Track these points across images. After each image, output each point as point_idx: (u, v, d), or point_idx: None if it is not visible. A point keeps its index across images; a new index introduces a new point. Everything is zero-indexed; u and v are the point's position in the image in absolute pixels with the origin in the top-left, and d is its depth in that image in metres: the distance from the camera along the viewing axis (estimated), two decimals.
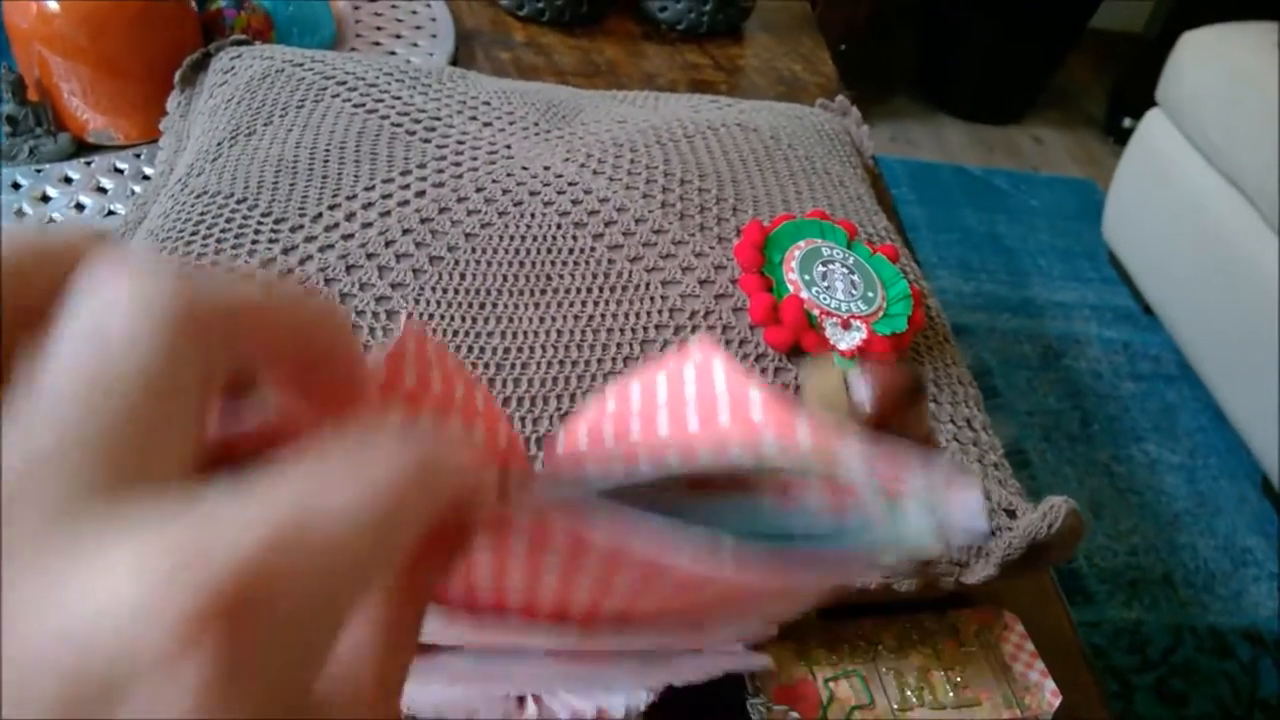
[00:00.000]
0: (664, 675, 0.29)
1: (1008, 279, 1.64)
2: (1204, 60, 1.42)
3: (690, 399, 0.23)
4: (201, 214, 0.53)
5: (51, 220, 0.64)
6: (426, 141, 0.60)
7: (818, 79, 1.03)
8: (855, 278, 0.52)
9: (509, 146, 0.60)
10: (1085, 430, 1.35)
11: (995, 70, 2.13)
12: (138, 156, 0.69)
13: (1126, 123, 2.16)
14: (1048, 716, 0.46)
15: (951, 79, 2.17)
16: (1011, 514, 0.47)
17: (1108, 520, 1.22)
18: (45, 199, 0.65)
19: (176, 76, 0.67)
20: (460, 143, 0.60)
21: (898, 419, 0.27)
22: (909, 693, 0.46)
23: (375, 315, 0.49)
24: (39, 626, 0.11)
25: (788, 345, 0.49)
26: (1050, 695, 0.46)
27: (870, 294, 0.52)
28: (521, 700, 0.38)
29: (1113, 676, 1.05)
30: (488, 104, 0.64)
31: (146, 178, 0.67)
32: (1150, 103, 1.61)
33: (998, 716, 0.45)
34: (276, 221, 0.52)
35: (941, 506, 0.19)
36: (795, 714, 0.45)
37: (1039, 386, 1.40)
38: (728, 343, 0.50)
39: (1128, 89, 2.22)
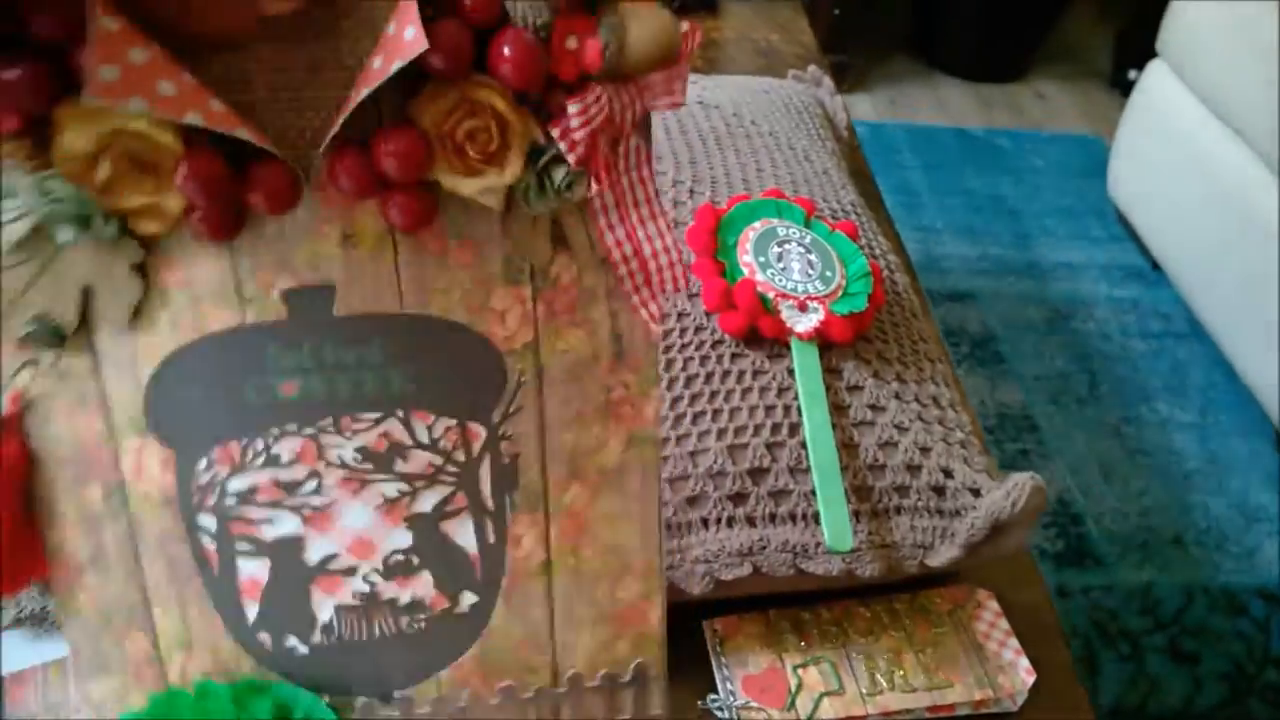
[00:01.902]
0: None
1: (1013, 241, 1.60)
2: (1204, 8, 1.38)
3: None
4: None
5: None
6: None
7: (796, 49, 1.01)
8: (813, 257, 0.51)
9: None
10: (1094, 392, 1.32)
11: (994, 25, 2.08)
12: None
13: (1132, 75, 2.10)
14: (1022, 696, 0.45)
15: (949, 37, 2.12)
16: (976, 493, 0.46)
17: (1118, 482, 1.20)
18: None
19: None
20: None
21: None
22: (879, 677, 0.45)
23: None
24: None
25: (744, 331, 0.48)
26: (1024, 674, 0.45)
27: (828, 273, 0.51)
28: None
29: (1124, 639, 1.03)
30: None
31: None
32: (1154, 54, 1.56)
33: (970, 698, 0.44)
34: None
35: None
36: (757, 705, 0.44)
37: (1046, 350, 1.37)
38: (683, 330, 0.49)
39: (1132, 39, 2.15)
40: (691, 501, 0.45)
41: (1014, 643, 0.46)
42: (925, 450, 0.47)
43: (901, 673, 0.45)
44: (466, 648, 0.36)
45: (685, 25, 0.28)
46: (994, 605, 0.48)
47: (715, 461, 0.46)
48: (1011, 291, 1.50)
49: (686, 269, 0.36)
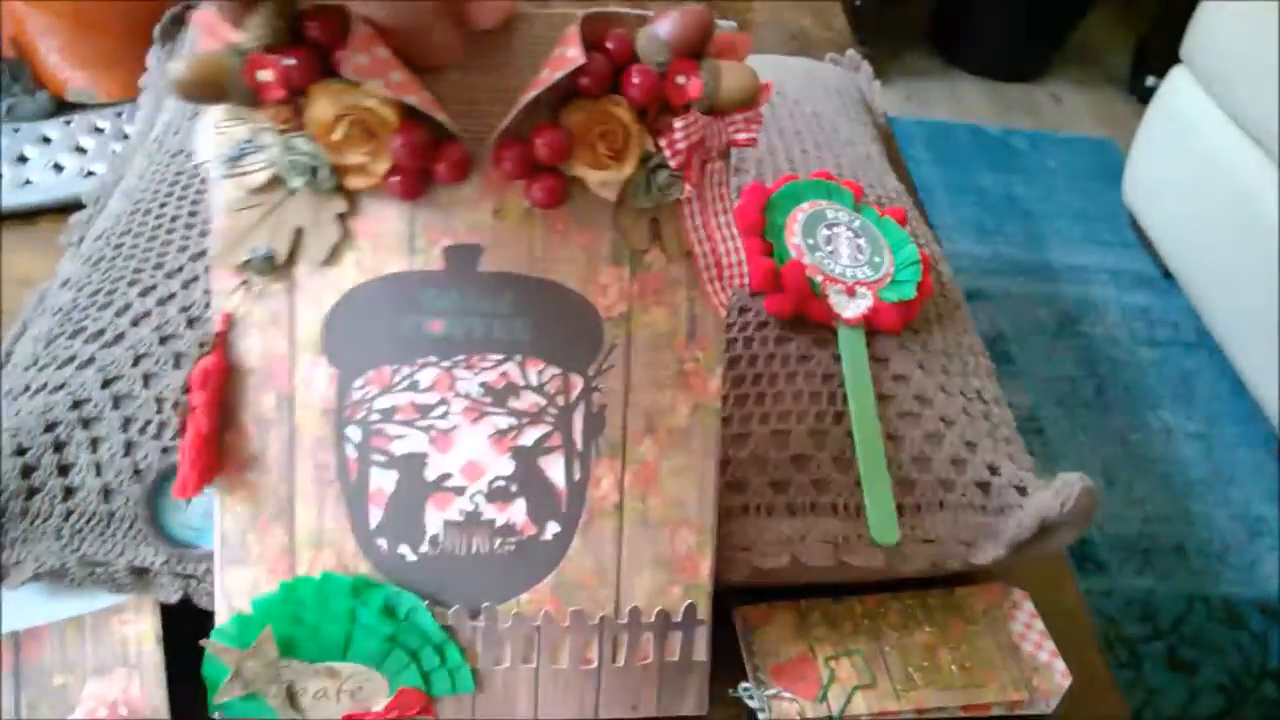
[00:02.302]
0: None
1: (1024, 242, 1.60)
2: (1233, 16, 1.36)
3: None
4: (177, 174, 0.51)
5: (29, 183, 0.62)
6: None
7: (828, 33, 0.99)
8: (861, 242, 0.50)
9: None
10: (1101, 397, 1.32)
11: (1014, 25, 2.07)
12: (119, 115, 0.66)
13: (1150, 81, 2.09)
14: (1056, 698, 0.44)
15: (969, 35, 2.10)
16: (1022, 491, 0.45)
17: (1121, 488, 1.20)
18: (23, 159, 0.63)
19: (156, 31, 0.64)
20: None
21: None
22: (913, 672, 0.44)
23: None
24: None
25: (790, 313, 0.47)
26: (1060, 677, 0.44)
27: (877, 259, 0.49)
28: None
29: (1122, 645, 1.03)
30: None
31: (127, 137, 0.64)
32: (1175, 60, 1.55)
33: (1005, 698, 0.44)
34: None
35: None
36: (789, 695, 0.43)
37: (1054, 352, 1.37)
38: (729, 310, 0.48)
39: (1152, 46, 2.15)
40: (732, 487, 0.44)
41: (1050, 644, 0.46)
42: (971, 445, 0.46)
43: (935, 669, 0.44)
44: (545, 574, 0.39)
45: (764, 79, 0.36)
46: (1029, 605, 0.47)
47: (757, 447, 0.44)
48: (1021, 292, 1.49)
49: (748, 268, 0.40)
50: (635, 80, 0.36)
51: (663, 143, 0.36)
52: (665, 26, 0.35)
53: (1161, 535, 1.15)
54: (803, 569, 0.44)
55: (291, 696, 0.36)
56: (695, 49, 0.36)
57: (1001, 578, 0.48)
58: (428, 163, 0.36)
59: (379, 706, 0.37)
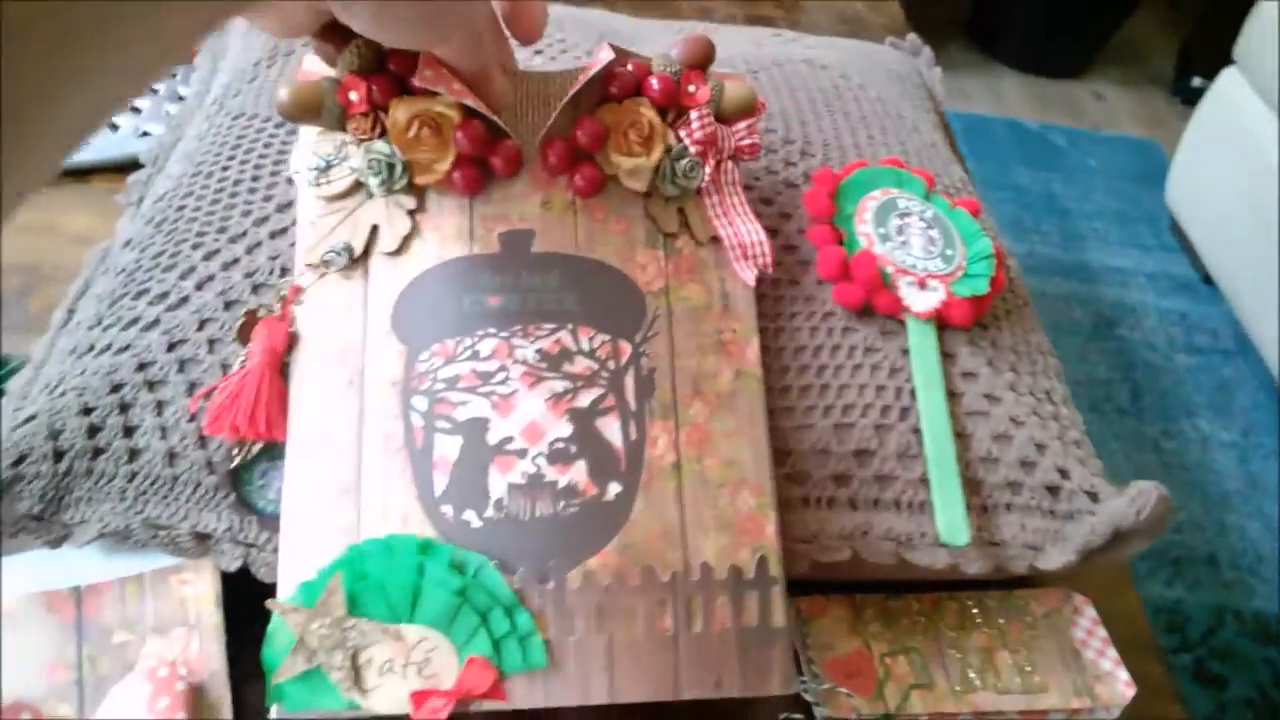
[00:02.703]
0: None
1: (1061, 241, 1.57)
2: None
3: None
4: (239, 137, 0.50)
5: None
6: None
7: (882, 19, 0.97)
8: (933, 233, 0.49)
9: None
10: (1136, 403, 1.30)
11: (1057, 20, 2.03)
12: (173, 76, 0.66)
13: (1196, 82, 2.06)
14: (1119, 709, 0.43)
15: (1010, 28, 2.07)
16: (1094, 497, 0.44)
17: None
18: None
19: None
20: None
21: None
22: (971, 674, 0.43)
23: None
24: None
25: (859, 304, 0.46)
26: (1124, 686, 0.44)
27: (949, 252, 0.48)
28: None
29: None
30: None
31: (182, 99, 0.64)
32: (1223, 62, 1.52)
33: (1066, 705, 0.43)
34: None
35: None
36: (844, 690, 0.43)
37: (1089, 355, 1.35)
38: (792, 299, 0.47)
39: (1198, 46, 2.11)
40: (791, 478, 0.43)
41: (1112, 652, 0.45)
42: (1041, 447, 0.45)
43: (994, 672, 0.44)
44: (611, 537, 0.39)
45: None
46: (1091, 612, 0.46)
47: (819, 439, 0.44)
48: (1057, 292, 1.47)
49: (773, 251, 0.45)
50: (655, 85, 0.44)
51: (683, 134, 0.44)
52: (675, 50, 0.45)
53: (1193, 545, 1.14)
54: (863, 565, 0.43)
55: (356, 671, 0.36)
56: (701, 65, 0.45)
57: (1062, 582, 0.47)
58: (485, 155, 0.42)
59: (448, 683, 0.36)
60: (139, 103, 0.64)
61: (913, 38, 0.76)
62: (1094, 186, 1.71)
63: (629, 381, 0.42)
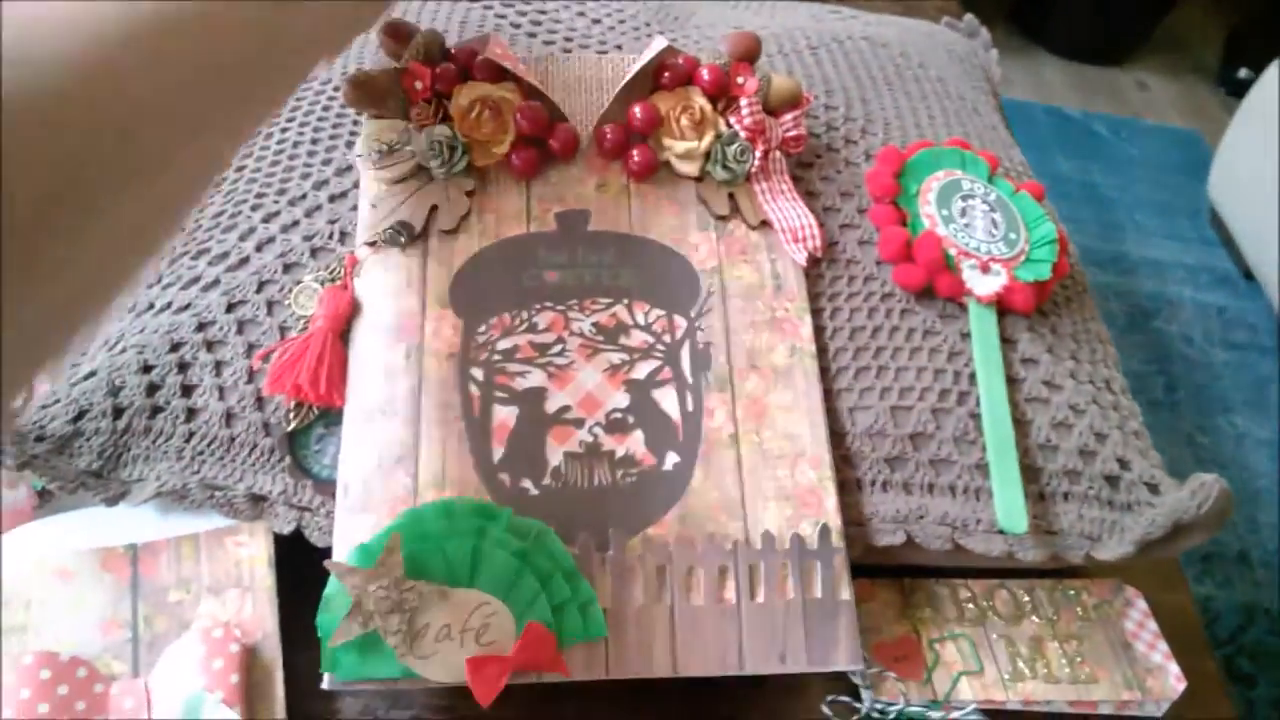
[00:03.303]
0: None
1: (1100, 231, 1.55)
2: None
3: None
4: (297, 99, 0.50)
5: None
6: (532, 35, 0.55)
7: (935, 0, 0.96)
8: (996, 216, 0.48)
9: (619, 47, 0.56)
10: (1170, 397, 1.28)
11: (1102, 7, 1.99)
12: None
13: (1242, 73, 2.02)
14: (1169, 703, 0.43)
15: (1055, 14, 2.03)
16: (1153, 489, 0.43)
17: None
18: None
19: None
20: (568, 39, 0.56)
21: None
22: (1021, 663, 0.43)
23: None
24: None
25: (920, 286, 0.45)
26: (1175, 680, 0.43)
27: (1012, 235, 0.47)
28: None
29: None
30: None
31: None
32: (1270, 53, 1.48)
33: (1116, 697, 0.42)
34: None
35: None
36: (892, 674, 0.43)
37: (1125, 347, 1.33)
38: (851, 278, 0.46)
39: (1245, 37, 2.06)
40: (846, 460, 0.43)
41: (1163, 645, 0.44)
42: (1101, 437, 0.44)
43: (1044, 661, 0.43)
44: (671, 506, 0.39)
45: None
46: (1142, 604, 0.46)
47: (876, 421, 0.43)
48: (1094, 282, 1.44)
49: (823, 235, 0.46)
50: (705, 75, 0.46)
51: (733, 119, 0.46)
52: (724, 44, 0.47)
53: (1225, 542, 1.13)
54: (917, 550, 0.43)
55: (413, 639, 0.35)
56: (749, 58, 0.47)
57: (1113, 573, 0.47)
58: (544, 135, 0.44)
59: (506, 651, 0.35)
60: None
61: (970, 18, 0.74)
62: (1135, 177, 1.68)
63: (685, 354, 0.42)
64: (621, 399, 0.41)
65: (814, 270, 0.46)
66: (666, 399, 0.41)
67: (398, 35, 0.44)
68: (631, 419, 0.40)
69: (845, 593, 0.39)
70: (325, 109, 0.49)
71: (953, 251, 0.45)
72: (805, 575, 0.39)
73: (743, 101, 0.45)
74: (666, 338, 0.42)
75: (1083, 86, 1.94)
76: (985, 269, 0.46)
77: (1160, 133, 1.83)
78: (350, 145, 0.47)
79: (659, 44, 0.45)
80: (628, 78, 0.45)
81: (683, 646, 0.37)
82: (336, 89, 0.50)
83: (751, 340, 0.43)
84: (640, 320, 0.42)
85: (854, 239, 0.47)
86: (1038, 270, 0.46)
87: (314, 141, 0.47)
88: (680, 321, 0.42)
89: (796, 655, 0.37)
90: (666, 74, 0.45)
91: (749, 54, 0.47)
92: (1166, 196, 1.64)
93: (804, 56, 0.57)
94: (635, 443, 0.40)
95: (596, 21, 0.58)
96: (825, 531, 0.39)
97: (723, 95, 0.46)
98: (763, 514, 0.39)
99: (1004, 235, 0.47)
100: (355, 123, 0.48)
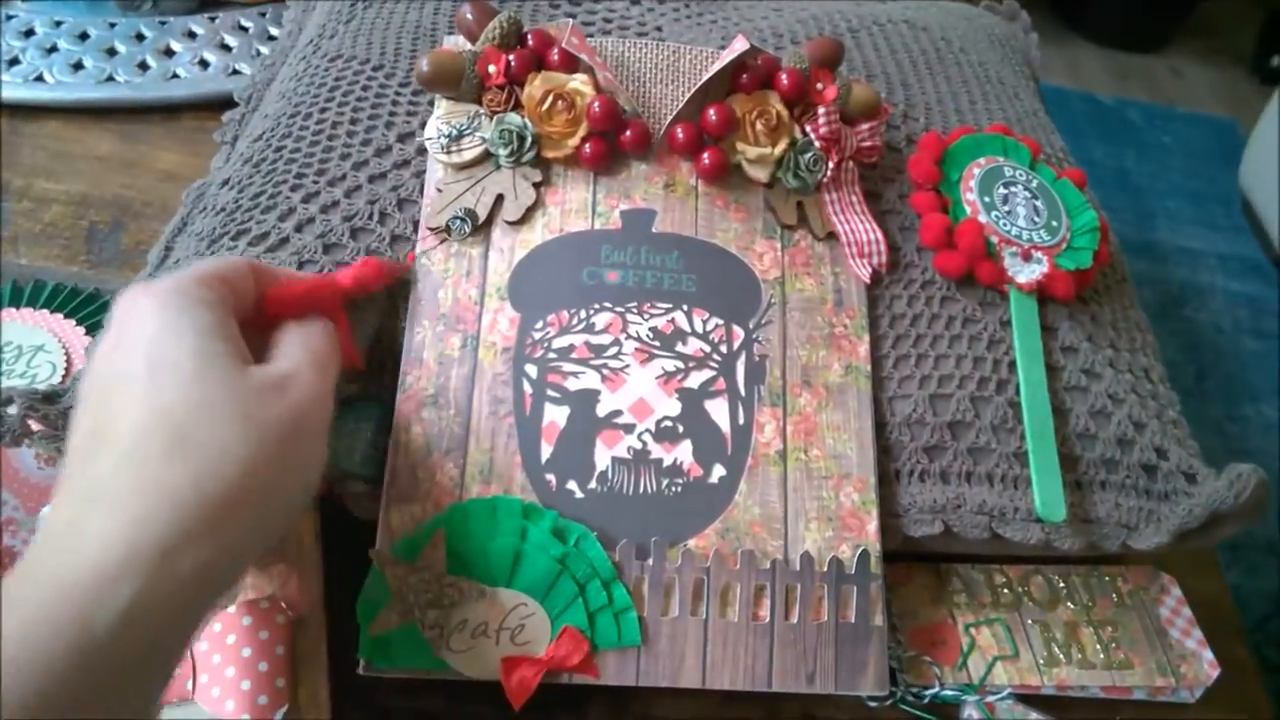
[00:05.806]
0: None
1: (1132, 219, 1.53)
2: None
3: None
4: (336, 79, 0.50)
5: (175, 76, 0.62)
6: (572, 16, 0.55)
7: None
8: (1038, 203, 0.47)
9: (659, 28, 0.56)
10: (1200, 385, 1.27)
11: None
12: (263, 15, 0.66)
13: (1276, 62, 1.98)
14: (1202, 689, 0.43)
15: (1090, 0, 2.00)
16: (1191, 478, 0.43)
17: None
18: (169, 53, 0.63)
19: None
20: (608, 20, 0.55)
21: None
22: (1056, 648, 0.43)
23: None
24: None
25: (961, 273, 0.45)
26: (1208, 666, 0.43)
27: (1054, 223, 0.47)
28: None
29: None
30: None
31: (272, 38, 0.64)
32: None
33: (1150, 683, 0.43)
34: (415, 93, 0.49)
35: None
36: (928, 658, 0.43)
37: (1156, 334, 1.32)
38: (891, 266, 0.46)
39: None
40: (883, 450, 0.43)
41: (1198, 633, 0.44)
42: (1139, 426, 0.44)
43: (1079, 647, 0.43)
44: (713, 519, 0.39)
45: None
46: (1177, 591, 0.46)
47: (914, 410, 0.43)
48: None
49: (888, 252, 0.45)
50: (784, 79, 0.45)
51: (809, 128, 0.45)
52: (805, 47, 0.46)
53: (1252, 531, 1.12)
54: (954, 539, 0.43)
55: (449, 634, 0.35)
56: (830, 64, 0.46)
57: (1148, 560, 0.47)
58: (616, 130, 0.43)
59: (540, 652, 0.35)
60: (230, 40, 0.64)
61: (1010, 1, 0.73)
62: (1168, 164, 1.66)
63: (740, 366, 0.41)
64: (673, 407, 0.40)
65: (874, 289, 0.45)
66: (718, 410, 0.41)
67: (479, 15, 0.44)
68: (681, 428, 0.40)
69: (879, 618, 0.39)
70: (365, 89, 0.49)
71: (994, 239, 0.45)
72: (841, 599, 0.39)
73: (820, 110, 0.44)
74: (723, 348, 0.42)
75: (1117, 73, 1.91)
76: (1026, 257, 0.45)
77: (1194, 120, 1.80)
78: (390, 126, 0.47)
79: (740, 45, 0.43)
80: (706, 77, 0.44)
81: (713, 659, 0.38)
82: (376, 69, 0.50)
83: (808, 356, 0.42)
84: (698, 328, 0.42)
85: (895, 225, 0.47)
86: (1079, 258, 0.46)
87: (353, 122, 0.47)
88: (738, 332, 0.42)
89: (825, 677, 0.38)
90: (745, 75, 0.44)
91: (830, 60, 0.46)
92: (1199, 184, 1.62)
93: (843, 38, 0.57)
94: (684, 452, 0.40)
95: (636, 2, 0.58)
96: (865, 556, 0.39)
97: (800, 101, 0.45)
98: (803, 534, 0.39)
99: (1045, 223, 0.47)
100: (394, 104, 0.49)
